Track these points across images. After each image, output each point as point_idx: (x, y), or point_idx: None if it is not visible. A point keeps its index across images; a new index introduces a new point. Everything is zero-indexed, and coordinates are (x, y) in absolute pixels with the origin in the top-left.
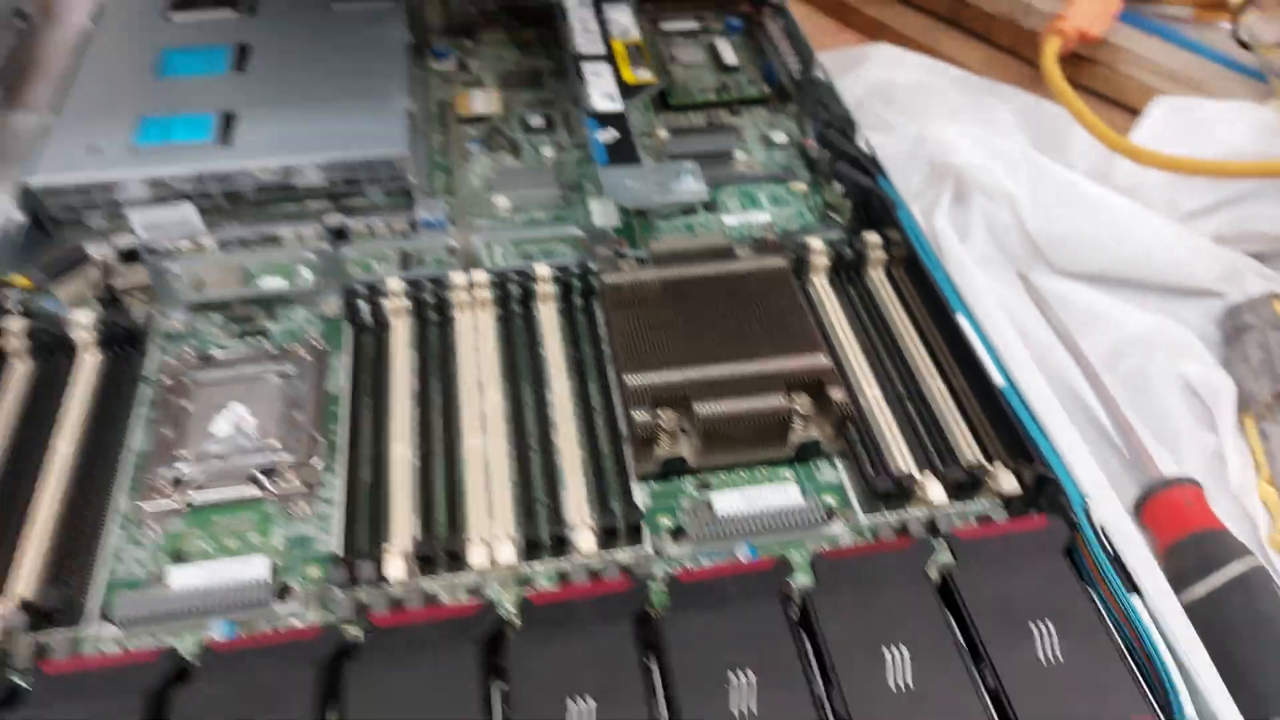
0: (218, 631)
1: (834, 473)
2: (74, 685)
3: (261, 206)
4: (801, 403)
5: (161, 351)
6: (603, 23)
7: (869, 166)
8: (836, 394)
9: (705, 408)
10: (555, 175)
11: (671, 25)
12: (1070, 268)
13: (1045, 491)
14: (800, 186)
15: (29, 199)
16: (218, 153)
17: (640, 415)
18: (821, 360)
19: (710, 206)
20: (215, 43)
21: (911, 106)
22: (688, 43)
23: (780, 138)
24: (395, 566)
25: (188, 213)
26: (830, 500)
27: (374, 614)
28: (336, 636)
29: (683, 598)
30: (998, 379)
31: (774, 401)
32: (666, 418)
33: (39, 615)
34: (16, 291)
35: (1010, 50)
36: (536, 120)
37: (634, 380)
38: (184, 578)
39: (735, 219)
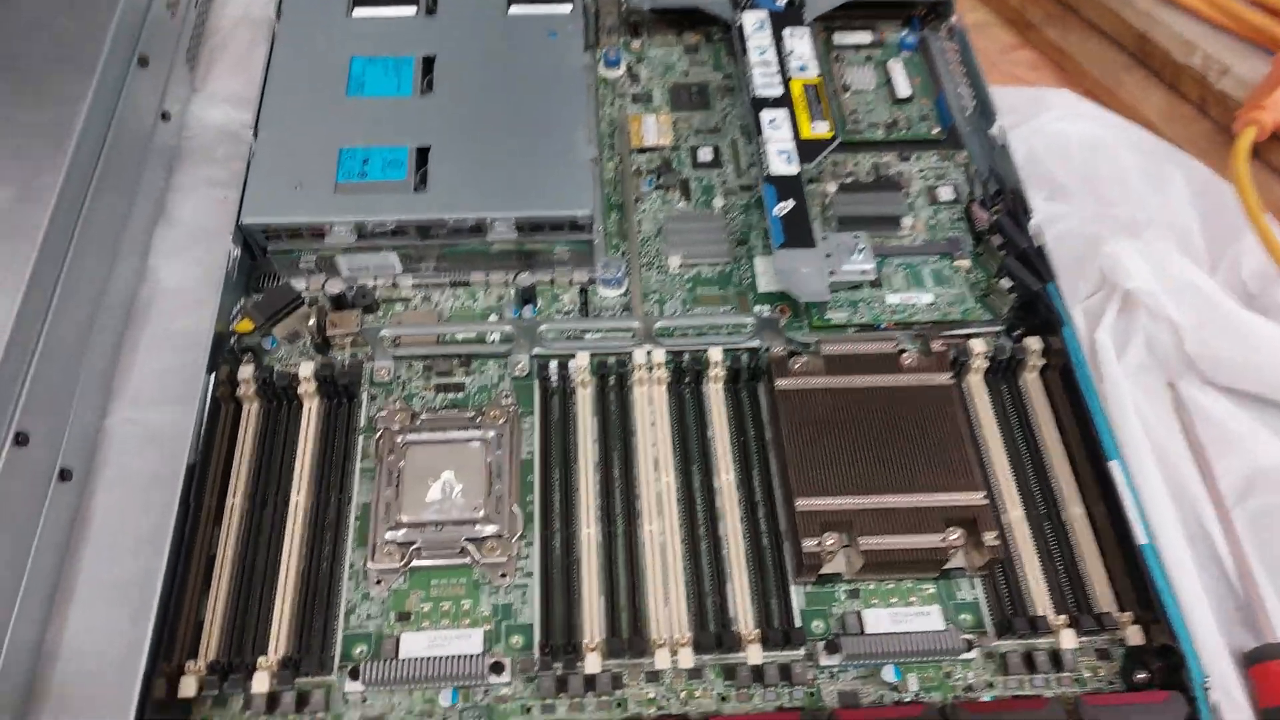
0: (445, 699)
1: (972, 591)
2: None
3: (450, 243)
4: (954, 534)
5: (372, 400)
6: (781, 55)
7: (1040, 269)
8: (989, 538)
9: (870, 541)
10: (723, 226)
11: (845, 38)
12: (1220, 383)
13: (1169, 660)
14: (964, 264)
15: (243, 233)
16: (414, 200)
17: (810, 544)
18: (978, 499)
19: (875, 283)
20: (399, 53)
21: (1086, 167)
22: (861, 64)
23: (947, 193)
24: (592, 662)
25: (390, 259)
26: (966, 618)
27: None
28: None
29: None
30: (1140, 537)
31: (932, 540)
32: (830, 540)
33: (298, 669)
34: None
35: (1196, 105)
36: (705, 153)
37: (805, 504)
38: (413, 644)
39: (899, 298)
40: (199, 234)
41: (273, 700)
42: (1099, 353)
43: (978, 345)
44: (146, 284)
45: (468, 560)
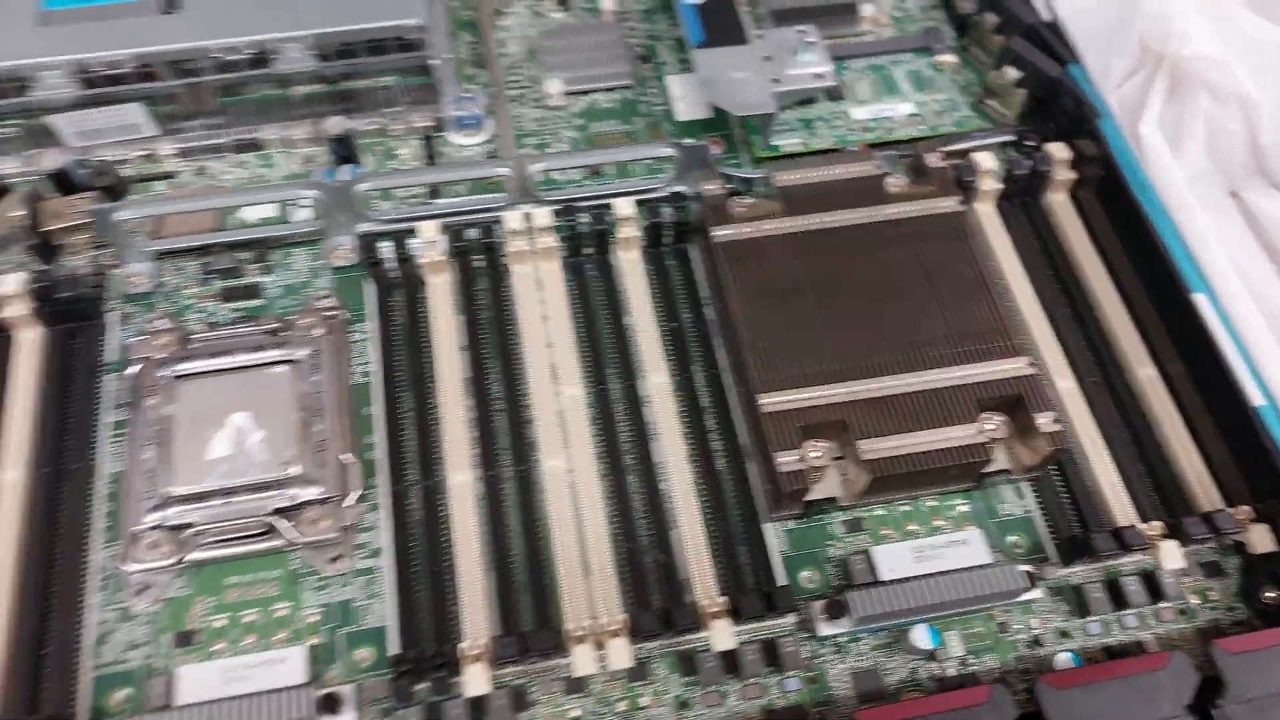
0: None
1: (1020, 503)
2: None
3: (232, 93)
4: (993, 422)
5: (123, 324)
6: None
7: (1057, 48)
8: (1045, 421)
9: (874, 447)
10: (619, 38)
11: None
12: None
13: None
14: (948, 60)
15: None
16: (162, 24)
17: (786, 460)
18: (1024, 368)
19: (834, 92)
20: None
21: None
22: None
23: None
24: (475, 678)
25: (134, 114)
26: (1017, 541)
27: None
28: None
29: None
30: (1255, 396)
31: (965, 434)
32: (816, 451)
33: None
34: None
35: None
36: None
37: (772, 402)
38: (200, 681)
39: (868, 112)
40: None
41: None
42: (1147, 153)
43: (985, 160)
44: None
45: (279, 543)
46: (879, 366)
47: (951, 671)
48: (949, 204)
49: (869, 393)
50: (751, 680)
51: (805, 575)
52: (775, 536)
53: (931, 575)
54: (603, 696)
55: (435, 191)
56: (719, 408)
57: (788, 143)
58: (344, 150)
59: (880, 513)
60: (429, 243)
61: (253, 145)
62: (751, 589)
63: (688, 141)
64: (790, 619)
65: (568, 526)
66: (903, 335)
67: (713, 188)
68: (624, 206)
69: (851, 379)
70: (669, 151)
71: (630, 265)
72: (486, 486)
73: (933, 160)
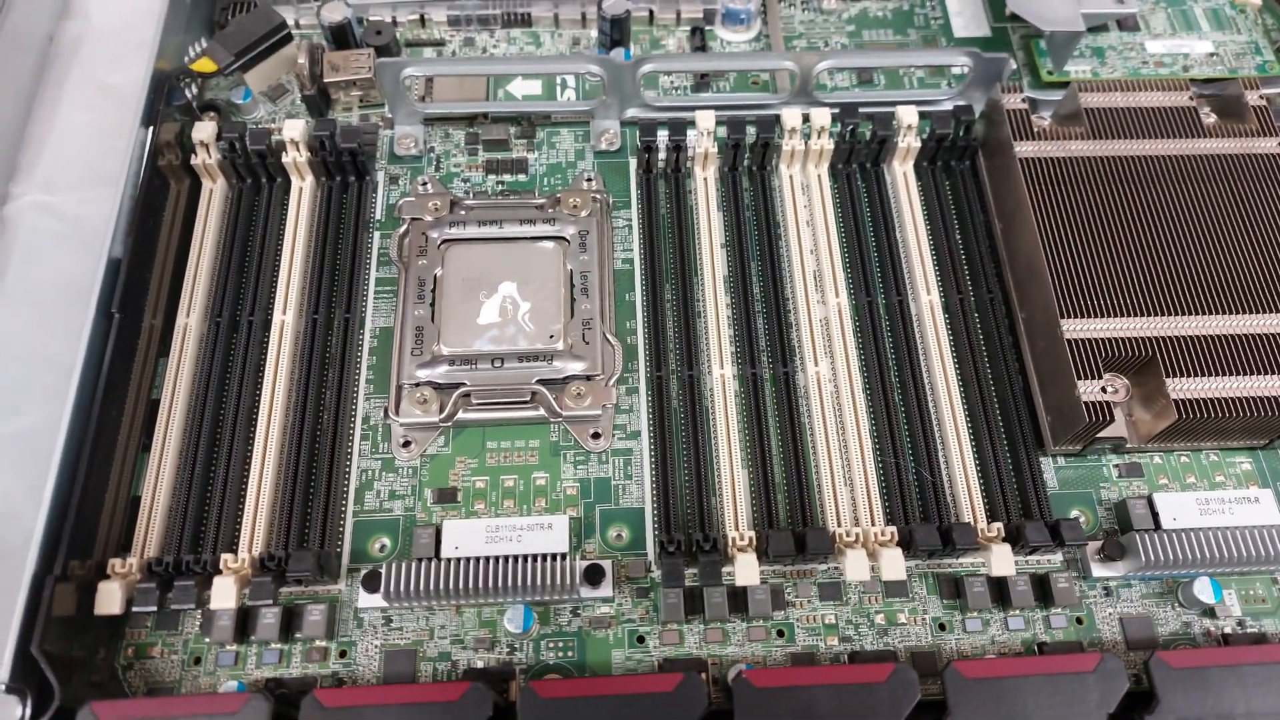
0: (513, 620)
1: None
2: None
3: None
4: None
5: (393, 183)
6: None
7: None
8: None
9: (1181, 387)
10: None
11: None
12: None
13: None
14: (1252, 0)
15: None
16: None
17: (1088, 390)
18: None
19: (1125, 22)
20: None
21: None
22: None
23: None
24: (745, 568)
25: None
26: None
27: None
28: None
29: (1174, 689)
30: None
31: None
32: (1114, 388)
33: (282, 574)
34: (189, 85)
35: None
36: None
37: (1075, 329)
38: (461, 537)
39: (1162, 46)
40: None
41: (246, 620)
42: None
43: None
44: (71, 20)
45: (541, 412)
46: (1191, 305)
47: (1228, 629)
48: (1270, 145)
49: (1179, 330)
50: (1018, 611)
51: (1074, 513)
52: (1048, 471)
53: (1219, 529)
54: (859, 607)
55: (700, 86)
56: (992, 332)
57: (1078, 69)
58: (617, 33)
59: (1158, 461)
60: (705, 132)
61: (523, 21)
62: (1031, 521)
63: (986, 55)
64: (1057, 556)
65: (830, 433)
66: (1216, 275)
67: (1015, 101)
68: (908, 115)
69: (1160, 314)
70: (965, 60)
71: (904, 177)
72: (747, 384)
73: (1253, 99)
